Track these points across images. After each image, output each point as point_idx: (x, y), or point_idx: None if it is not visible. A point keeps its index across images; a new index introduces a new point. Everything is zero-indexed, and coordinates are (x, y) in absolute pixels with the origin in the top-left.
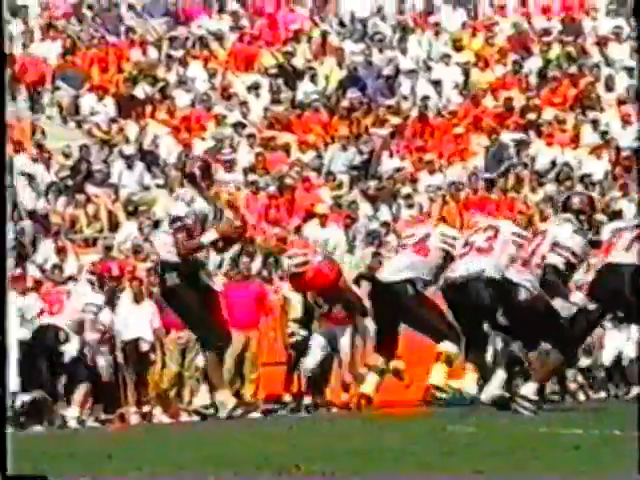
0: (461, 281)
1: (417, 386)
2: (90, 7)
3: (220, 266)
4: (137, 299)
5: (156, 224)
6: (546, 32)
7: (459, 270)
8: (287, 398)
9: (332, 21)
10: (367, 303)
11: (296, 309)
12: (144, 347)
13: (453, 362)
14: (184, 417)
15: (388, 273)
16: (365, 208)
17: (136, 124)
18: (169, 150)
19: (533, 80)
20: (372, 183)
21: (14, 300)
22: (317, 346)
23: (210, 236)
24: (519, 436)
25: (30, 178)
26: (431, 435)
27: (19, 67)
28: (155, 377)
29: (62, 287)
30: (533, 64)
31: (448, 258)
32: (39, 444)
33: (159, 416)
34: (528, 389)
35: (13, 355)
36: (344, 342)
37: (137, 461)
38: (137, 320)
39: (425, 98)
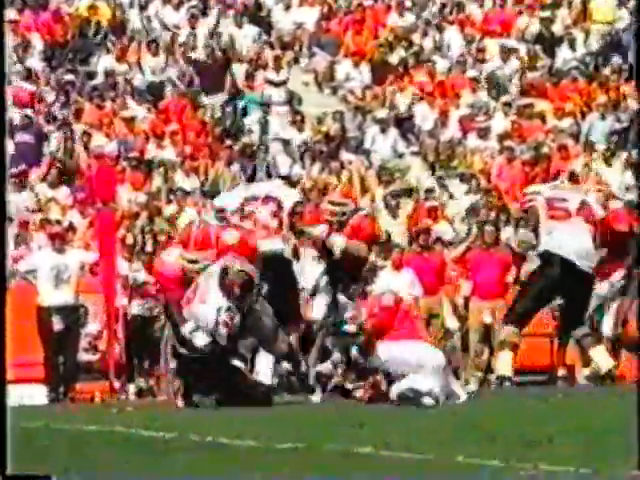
0: None
1: None
2: None
3: (468, 233)
4: None
5: (409, 192)
6: None
7: None
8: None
9: None
10: None
11: None
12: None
13: None
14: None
15: None
16: (625, 177)
17: (391, 90)
18: (424, 117)
19: None
20: (632, 152)
21: None
22: None
23: None
24: None
25: (285, 143)
26: None
27: (276, 34)
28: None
29: None
30: None
31: None
32: None
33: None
34: None
35: None
36: None
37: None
38: None
39: None
